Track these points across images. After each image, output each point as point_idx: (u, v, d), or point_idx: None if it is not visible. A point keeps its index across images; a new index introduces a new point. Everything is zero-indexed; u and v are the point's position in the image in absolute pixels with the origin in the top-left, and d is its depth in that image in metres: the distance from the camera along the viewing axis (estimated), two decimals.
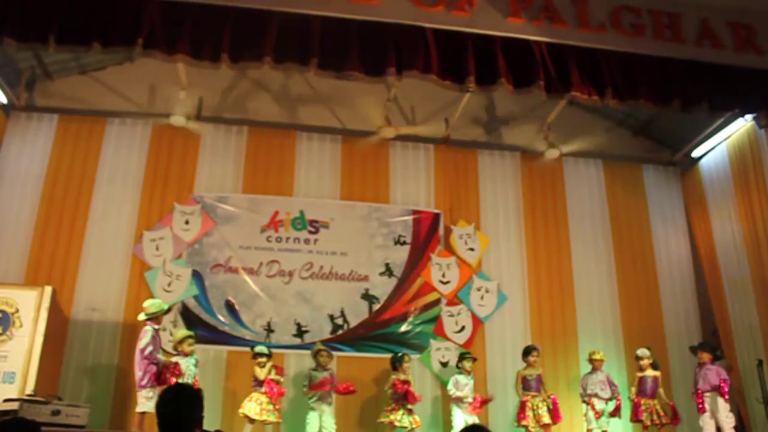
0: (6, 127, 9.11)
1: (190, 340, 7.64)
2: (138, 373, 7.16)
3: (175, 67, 8.19)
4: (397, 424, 7.96)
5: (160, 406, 3.15)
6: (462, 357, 8.56)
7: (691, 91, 7.41)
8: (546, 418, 8.14)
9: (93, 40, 6.41)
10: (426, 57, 6.90)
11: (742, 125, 9.05)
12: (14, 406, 5.78)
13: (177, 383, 3.36)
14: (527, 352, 8.55)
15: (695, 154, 10.17)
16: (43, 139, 9.19)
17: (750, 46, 7.63)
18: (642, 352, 8.46)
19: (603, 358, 8.54)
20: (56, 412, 5.85)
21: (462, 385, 8.32)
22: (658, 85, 7.36)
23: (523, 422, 8.19)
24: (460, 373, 8.46)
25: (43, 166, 9.07)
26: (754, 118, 8.27)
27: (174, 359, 7.42)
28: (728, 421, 7.81)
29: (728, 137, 9.43)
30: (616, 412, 8.35)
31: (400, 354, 8.38)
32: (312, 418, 7.84)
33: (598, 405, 8.27)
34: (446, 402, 8.61)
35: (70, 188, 9.03)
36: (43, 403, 5.91)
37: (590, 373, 8.51)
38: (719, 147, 9.67)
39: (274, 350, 8.29)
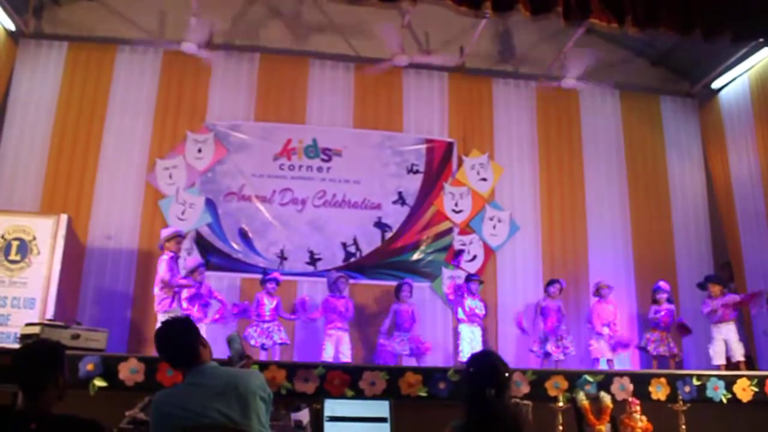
0: (16, 55, 9.03)
1: (202, 269, 7.75)
2: (156, 298, 7.33)
3: None
4: (389, 348, 8.10)
5: (156, 341, 3.23)
6: (468, 278, 8.62)
7: (713, 20, 7.20)
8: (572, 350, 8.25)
9: None
10: None
11: (766, 55, 8.81)
12: (35, 330, 5.90)
13: (169, 318, 3.41)
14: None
15: (715, 85, 9.93)
16: (53, 67, 9.09)
17: None
18: (664, 284, 8.46)
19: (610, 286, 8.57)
20: (76, 336, 5.97)
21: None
22: (680, 13, 7.15)
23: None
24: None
25: (55, 94, 9.00)
26: None
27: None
28: (739, 349, 7.84)
29: (750, 68, 9.18)
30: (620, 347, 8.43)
31: (398, 283, 8.48)
32: (328, 343, 7.97)
33: (608, 335, 8.35)
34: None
35: (82, 116, 8.98)
36: (63, 328, 6.03)
37: (599, 303, 8.56)
38: (740, 78, 9.43)
39: (287, 277, 8.41)
